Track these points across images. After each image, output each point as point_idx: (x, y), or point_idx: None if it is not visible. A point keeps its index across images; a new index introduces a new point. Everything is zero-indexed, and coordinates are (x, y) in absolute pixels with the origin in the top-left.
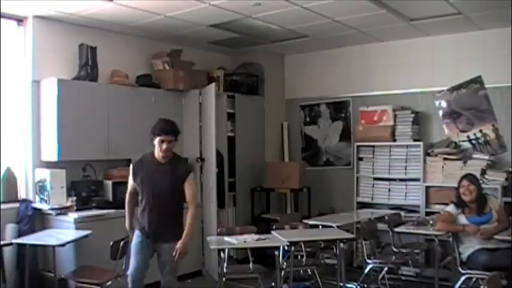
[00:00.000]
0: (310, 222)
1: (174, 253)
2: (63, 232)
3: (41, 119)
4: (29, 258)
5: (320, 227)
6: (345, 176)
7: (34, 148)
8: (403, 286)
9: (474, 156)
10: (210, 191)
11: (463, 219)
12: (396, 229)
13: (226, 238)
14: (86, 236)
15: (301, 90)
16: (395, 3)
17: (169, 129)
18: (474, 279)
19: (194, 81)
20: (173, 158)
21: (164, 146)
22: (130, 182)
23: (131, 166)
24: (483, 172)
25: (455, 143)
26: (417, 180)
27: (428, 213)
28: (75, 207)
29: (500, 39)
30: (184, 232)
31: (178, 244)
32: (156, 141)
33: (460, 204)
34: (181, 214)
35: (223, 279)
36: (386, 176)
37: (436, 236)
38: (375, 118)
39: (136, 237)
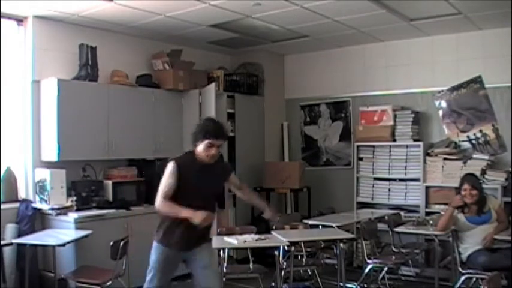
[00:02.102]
0: (310, 222)
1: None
2: (63, 232)
3: (41, 119)
4: (29, 258)
5: (320, 227)
6: (345, 176)
7: (34, 148)
8: (403, 286)
9: (474, 156)
10: None
11: (462, 219)
12: (396, 229)
13: (226, 238)
14: (86, 236)
15: (301, 90)
16: (395, 3)
17: (220, 133)
18: (474, 279)
19: (194, 81)
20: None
21: (213, 151)
22: (171, 181)
23: (174, 164)
24: (483, 172)
25: (455, 143)
26: (417, 180)
27: (428, 213)
28: (75, 207)
29: (500, 39)
30: (264, 203)
31: (270, 212)
32: (204, 144)
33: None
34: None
35: (223, 279)
36: (386, 176)
37: (436, 236)
38: (375, 118)
39: (162, 253)
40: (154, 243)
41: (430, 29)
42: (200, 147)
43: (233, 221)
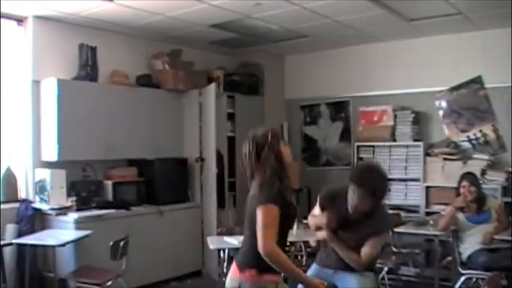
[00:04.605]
0: None
1: None
2: (63, 232)
3: (41, 119)
4: (29, 258)
5: None
6: (345, 176)
7: (34, 148)
8: (403, 286)
9: (474, 156)
10: (210, 191)
11: (462, 218)
12: (396, 229)
13: (226, 238)
14: (86, 236)
15: (301, 91)
16: (395, 3)
17: (357, 178)
18: (474, 279)
19: (194, 81)
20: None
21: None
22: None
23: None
24: (483, 172)
25: (455, 143)
26: (417, 180)
27: (428, 213)
28: (75, 207)
29: (500, 39)
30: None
31: None
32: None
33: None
34: None
35: (223, 279)
36: None
37: (436, 236)
38: (375, 118)
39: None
40: None
41: (430, 29)
42: None
43: (233, 221)
